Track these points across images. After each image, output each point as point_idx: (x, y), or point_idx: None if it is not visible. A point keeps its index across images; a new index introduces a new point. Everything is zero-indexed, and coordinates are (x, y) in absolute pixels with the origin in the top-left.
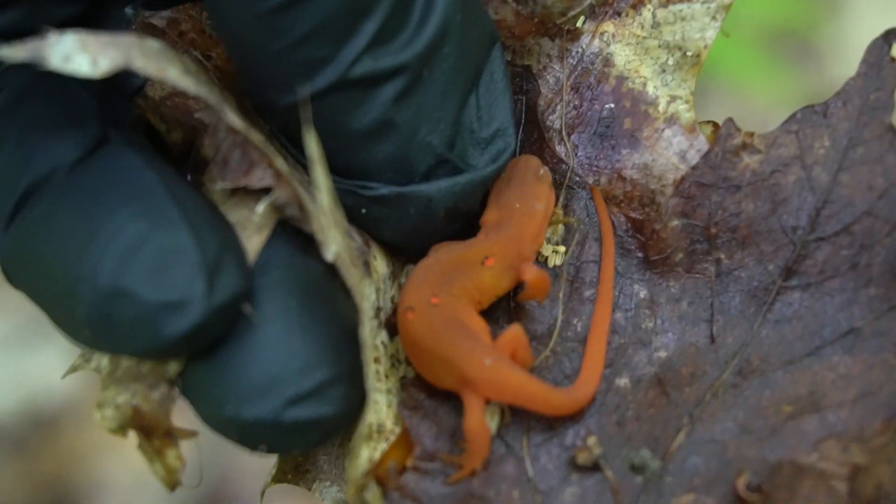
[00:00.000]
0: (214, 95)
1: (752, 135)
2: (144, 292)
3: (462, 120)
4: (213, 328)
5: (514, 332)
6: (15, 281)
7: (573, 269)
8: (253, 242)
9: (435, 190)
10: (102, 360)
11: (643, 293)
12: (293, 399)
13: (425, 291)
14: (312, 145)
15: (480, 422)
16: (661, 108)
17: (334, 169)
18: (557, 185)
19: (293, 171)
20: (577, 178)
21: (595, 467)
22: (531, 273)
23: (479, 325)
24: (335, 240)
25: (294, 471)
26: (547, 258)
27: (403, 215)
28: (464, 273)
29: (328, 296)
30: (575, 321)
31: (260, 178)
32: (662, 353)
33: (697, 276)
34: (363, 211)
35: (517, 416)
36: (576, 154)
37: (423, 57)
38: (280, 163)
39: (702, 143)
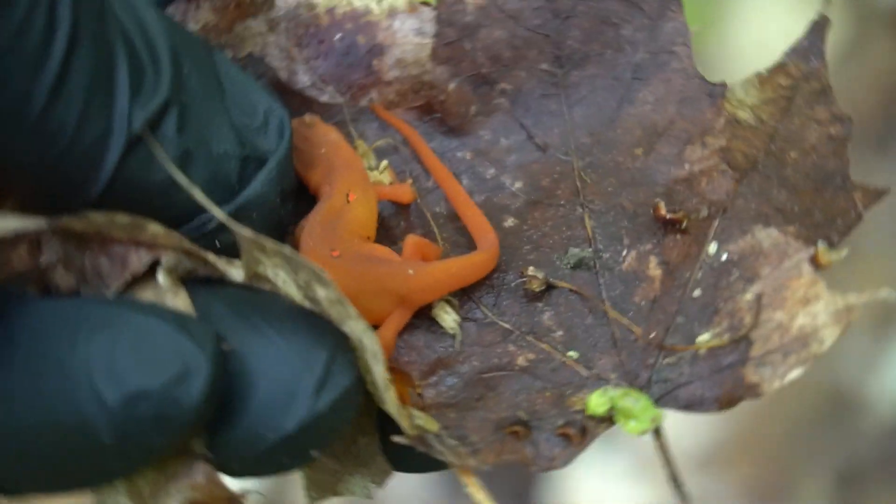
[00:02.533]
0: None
1: None
2: (151, 381)
3: (234, 121)
4: (220, 374)
5: (412, 240)
6: None
7: (405, 174)
8: (179, 303)
9: (259, 186)
10: (120, 500)
11: (468, 154)
12: (317, 388)
13: (323, 251)
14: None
15: (395, 335)
16: (376, 10)
17: (170, 224)
18: (342, 127)
19: (162, 229)
20: (351, 108)
21: (549, 286)
22: (392, 189)
23: (382, 251)
24: (356, 328)
25: (319, 488)
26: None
27: (250, 223)
28: (340, 219)
29: (263, 295)
30: (437, 209)
31: (139, 260)
32: (518, 184)
33: (497, 113)
34: (218, 245)
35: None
36: (338, 91)
37: (175, 85)
38: (150, 229)
39: (429, 14)
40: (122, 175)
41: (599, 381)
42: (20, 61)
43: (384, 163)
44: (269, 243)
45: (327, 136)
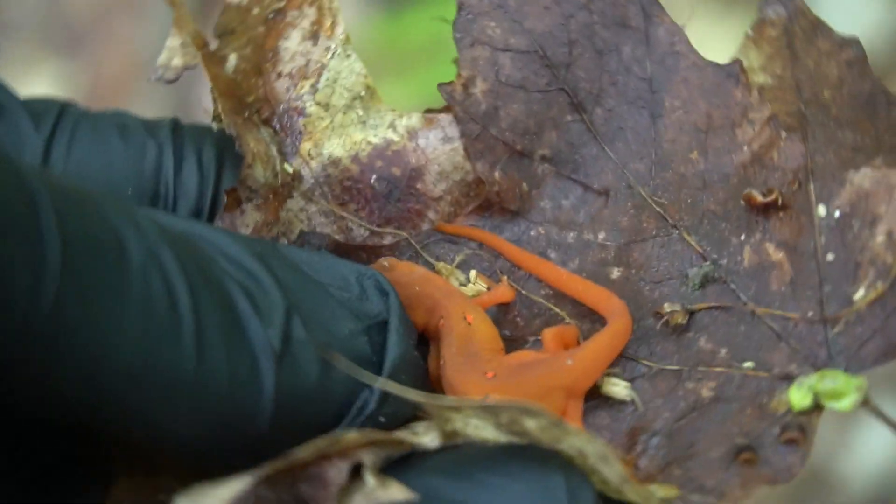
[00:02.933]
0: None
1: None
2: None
3: (339, 299)
4: None
5: (549, 332)
6: None
7: (496, 274)
8: (395, 493)
9: (396, 348)
10: None
11: (540, 230)
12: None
13: (478, 378)
14: None
15: (581, 426)
16: (396, 138)
17: (333, 422)
18: (416, 259)
19: (355, 433)
20: (417, 237)
21: (690, 313)
22: (491, 294)
23: (528, 355)
24: (577, 441)
25: None
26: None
27: (406, 384)
28: (472, 343)
29: (463, 450)
30: (543, 292)
31: (340, 473)
32: (601, 235)
33: (546, 179)
34: (383, 420)
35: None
36: (397, 227)
37: (282, 291)
38: (346, 440)
39: (446, 119)
40: (280, 396)
41: (786, 378)
42: (159, 334)
43: (473, 273)
44: (465, 402)
45: (412, 273)
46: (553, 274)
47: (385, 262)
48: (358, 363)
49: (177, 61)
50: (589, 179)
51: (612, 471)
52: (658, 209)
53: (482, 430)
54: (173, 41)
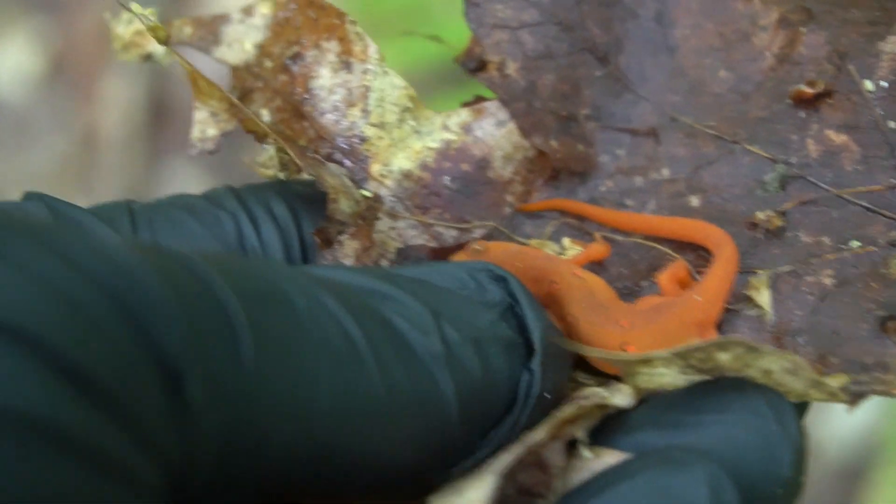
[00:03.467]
0: None
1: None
2: None
3: (469, 298)
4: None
5: (665, 275)
6: None
7: (587, 237)
8: (608, 458)
9: (536, 320)
10: None
11: (609, 183)
12: (784, 427)
13: (615, 330)
14: None
15: None
16: (455, 137)
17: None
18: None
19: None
20: (503, 222)
21: (783, 213)
22: (586, 251)
23: (651, 300)
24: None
25: None
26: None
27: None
28: (593, 296)
29: (658, 402)
30: (635, 239)
31: (559, 454)
32: (666, 171)
33: (596, 135)
34: (548, 396)
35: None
36: (481, 217)
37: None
38: (566, 414)
39: (493, 105)
40: (459, 395)
41: (894, 245)
42: (348, 369)
43: (566, 240)
44: (655, 354)
45: (507, 251)
46: (643, 222)
47: (478, 245)
48: (509, 348)
49: (211, 132)
50: (633, 125)
51: (802, 379)
52: (710, 131)
53: (664, 378)
54: (200, 114)
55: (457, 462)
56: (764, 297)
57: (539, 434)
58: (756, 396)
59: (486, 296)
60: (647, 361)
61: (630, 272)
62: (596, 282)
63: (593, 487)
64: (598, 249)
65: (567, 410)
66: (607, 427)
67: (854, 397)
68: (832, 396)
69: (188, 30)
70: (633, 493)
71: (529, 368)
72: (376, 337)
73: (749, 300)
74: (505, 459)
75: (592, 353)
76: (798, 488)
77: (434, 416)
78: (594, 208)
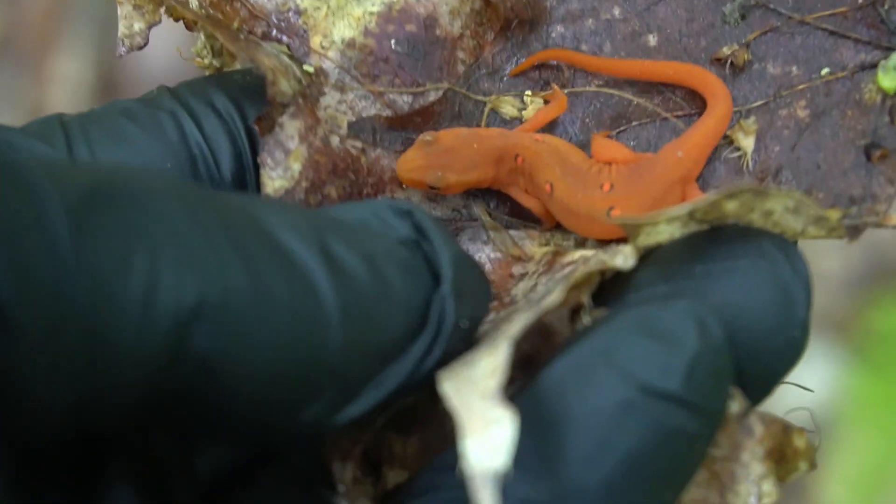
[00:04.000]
0: None
1: None
2: None
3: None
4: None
5: (599, 138)
6: None
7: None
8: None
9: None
10: None
11: (560, 28)
12: (793, 270)
13: (596, 193)
14: None
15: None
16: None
17: None
18: (465, 103)
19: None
20: (458, 83)
21: (747, 45)
22: (544, 111)
23: (623, 158)
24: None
25: None
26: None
27: None
28: (567, 160)
29: (667, 252)
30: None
31: (559, 324)
32: (616, 11)
33: None
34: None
35: None
36: (437, 80)
37: None
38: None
39: None
40: (343, 307)
41: (864, 69)
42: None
43: (527, 93)
44: (662, 214)
45: (459, 135)
46: (636, 67)
47: (427, 136)
48: (410, 270)
49: (138, 25)
50: None
51: (803, 216)
52: None
53: (662, 234)
54: (123, 9)
55: (345, 397)
56: (749, 141)
57: (554, 297)
58: (763, 240)
59: (389, 231)
60: (653, 223)
61: (596, 124)
62: (562, 145)
63: (586, 331)
64: (554, 106)
65: (577, 273)
66: (615, 290)
67: (851, 231)
68: (832, 231)
69: None
70: (619, 331)
71: (442, 292)
72: (239, 231)
73: (730, 143)
74: (517, 325)
75: (613, 220)
76: (808, 328)
77: (311, 327)
78: (584, 57)
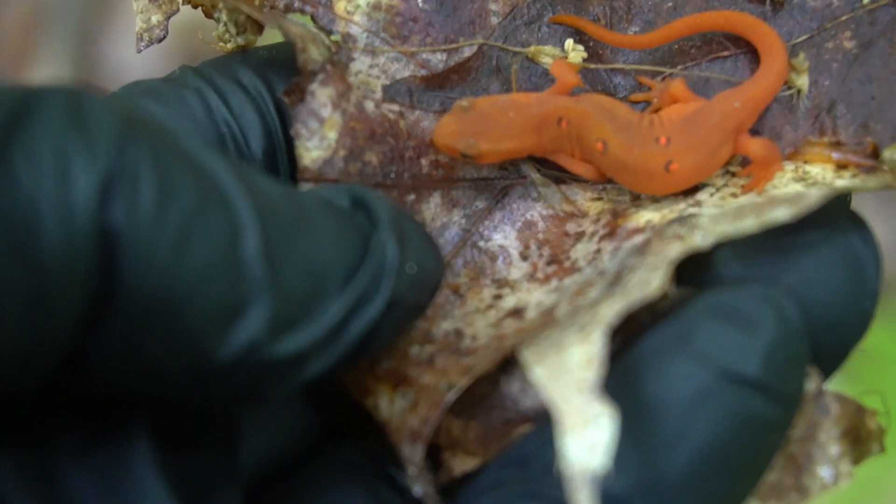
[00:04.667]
0: None
1: None
2: None
3: None
4: None
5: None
6: None
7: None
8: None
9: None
10: None
11: None
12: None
13: (649, 147)
14: None
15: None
16: None
17: None
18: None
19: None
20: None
21: None
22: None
23: (673, 110)
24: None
25: None
26: None
27: None
28: (613, 116)
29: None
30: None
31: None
32: None
33: None
34: None
35: None
36: (469, 36)
37: None
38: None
39: None
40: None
41: None
42: None
43: (568, 42)
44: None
45: (497, 102)
46: (679, 27)
47: (464, 101)
48: (341, 213)
49: (155, 17)
50: None
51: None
52: None
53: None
54: (139, 3)
55: (279, 320)
56: (803, 80)
57: (653, 287)
58: (833, 211)
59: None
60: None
61: (626, 92)
62: (605, 100)
63: (663, 315)
64: (566, 79)
65: (673, 251)
66: (689, 264)
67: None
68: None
69: None
70: (696, 316)
71: (378, 236)
72: (151, 135)
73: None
74: (608, 310)
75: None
76: (878, 298)
77: (220, 226)
78: (623, 37)
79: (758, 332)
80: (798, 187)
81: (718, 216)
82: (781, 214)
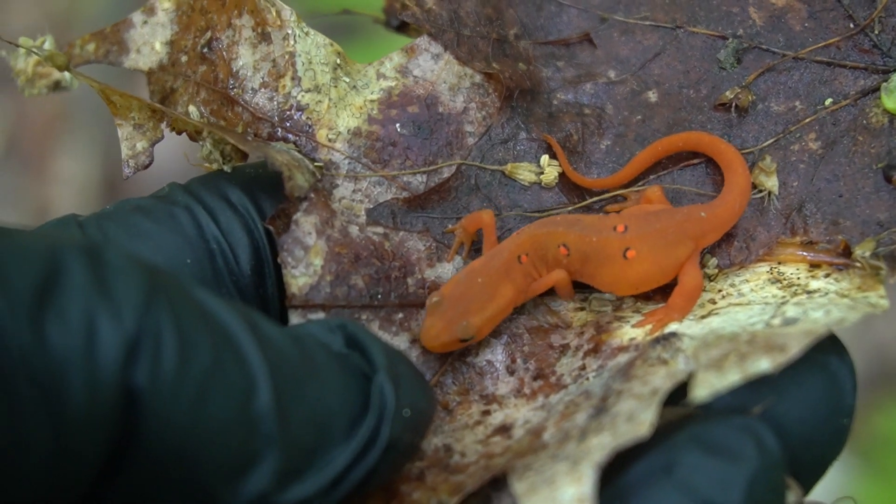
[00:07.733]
0: None
1: None
2: None
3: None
4: None
5: (653, 190)
6: None
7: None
8: None
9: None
10: None
11: (560, 96)
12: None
13: (605, 234)
14: None
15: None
16: (394, 84)
17: None
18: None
19: None
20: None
21: (746, 87)
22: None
23: (635, 209)
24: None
25: None
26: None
27: None
28: (578, 221)
29: None
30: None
31: None
32: (611, 73)
33: (530, 47)
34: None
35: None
36: (447, 158)
37: None
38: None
39: (425, 41)
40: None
41: (865, 95)
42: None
43: (543, 158)
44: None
45: (459, 281)
46: (643, 159)
47: (433, 297)
48: (342, 357)
49: (140, 145)
50: (563, 34)
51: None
52: (646, 23)
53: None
54: (123, 130)
55: (288, 472)
56: (773, 181)
57: (643, 429)
58: (826, 350)
59: (320, 336)
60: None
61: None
62: (565, 217)
63: (647, 445)
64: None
65: (659, 381)
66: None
67: (890, 262)
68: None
69: (90, 47)
70: (679, 446)
71: (377, 383)
72: (168, 290)
73: (753, 186)
74: (599, 450)
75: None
76: (854, 414)
77: (236, 381)
78: (591, 181)
79: (739, 465)
80: (774, 290)
81: (699, 345)
82: (764, 366)
